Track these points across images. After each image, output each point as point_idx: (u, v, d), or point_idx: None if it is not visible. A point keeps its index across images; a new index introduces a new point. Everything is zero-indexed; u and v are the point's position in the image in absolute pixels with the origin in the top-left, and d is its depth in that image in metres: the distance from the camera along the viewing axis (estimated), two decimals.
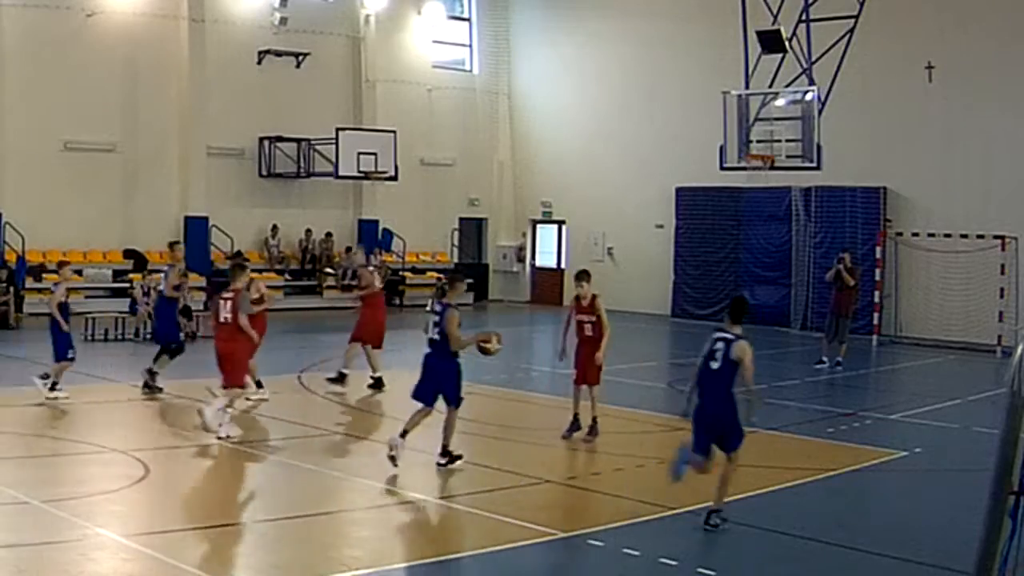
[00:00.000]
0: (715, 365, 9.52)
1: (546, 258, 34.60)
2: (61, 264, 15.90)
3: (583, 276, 13.12)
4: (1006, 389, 5.47)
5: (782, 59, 22.32)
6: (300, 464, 11.80)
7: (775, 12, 22.33)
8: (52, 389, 14.60)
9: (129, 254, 27.12)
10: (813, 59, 22.20)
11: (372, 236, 31.39)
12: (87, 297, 25.26)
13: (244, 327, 13.03)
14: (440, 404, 11.51)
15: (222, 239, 28.52)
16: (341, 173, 28.75)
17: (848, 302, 20.86)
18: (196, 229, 28.24)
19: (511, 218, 34.97)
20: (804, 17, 22.27)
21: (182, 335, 15.76)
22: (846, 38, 22.13)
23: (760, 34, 22.30)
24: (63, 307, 14.97)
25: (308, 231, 30.20)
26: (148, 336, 22.60)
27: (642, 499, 10.51)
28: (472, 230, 34.69)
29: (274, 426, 13.89)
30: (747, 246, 29.04)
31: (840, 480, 11.58)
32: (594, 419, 13.08)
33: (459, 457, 11.58)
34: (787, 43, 22.02)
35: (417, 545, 8.99)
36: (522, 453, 12.88)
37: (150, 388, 15.42)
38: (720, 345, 9.54)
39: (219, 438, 12.46)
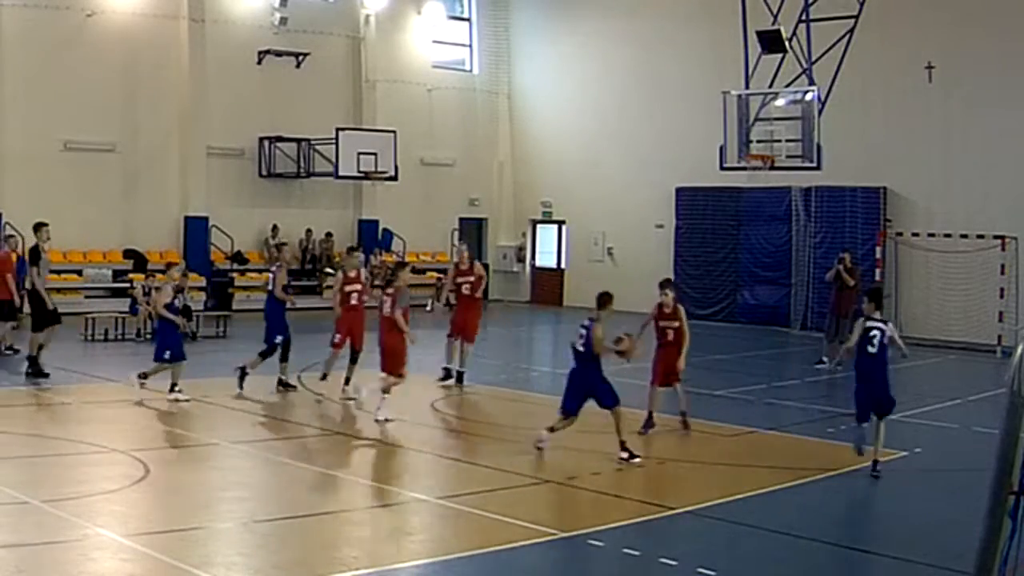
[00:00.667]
0: (873, 350, 11.74)
1: (546, 258, 34.59)
2: (169, 265, 15.85)
3: (667, 284, 13.99)
4: (1006, 389, 5.47)
5: (782, 59, 22.32)
6: (300, 464, 11.80)
7: (775, 12, 22.33)
8: (171, 390, 14.80)
9: (129, 254, 27.12)
10: (813, 59, 22.20)
11: (372, 236, 31.42)
12: (87, 297, 25.28)
13: (399, 322, 13.94)
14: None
15: (222, 239, 28.52)
16: (341, 173, 28.74)
17: (848, 302, 20.82)
18: (196, 229, 28.25)
19: (511, 218, 34.97)
20: (804, 17, 22.27)
21: (280, 338, 15.92)
22: (846, 38, 22.13)
23: (760, 34, 22.30)
24: (169, 307, 15.11)
25: (308, 231, 30.20)
26: (149, 336, 22.60)
27: (642, 499, 10.52)
28: (472, 230, 34.67)
29: (274, 426, 13.89)
30: (747, 246, 29.03)
31: (840, 480, 11.58)
32: (683, 413, 13.89)
33: (636, 456, 12.05)
34: (787, 43, 22.02)
35: (417, 545, 8.98)
36: (522, 453, 12.88)
37: (285, 386, 15.90)
38: (876, 332, 11.72)
39: (376, 420, 13.61)
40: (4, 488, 9.78)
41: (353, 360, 15.57)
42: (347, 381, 15.46)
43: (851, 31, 22.11)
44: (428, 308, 29.91)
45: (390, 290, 14.20)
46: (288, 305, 16.12)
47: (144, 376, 15.09)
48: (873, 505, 10.96)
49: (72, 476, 10.70)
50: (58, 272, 25.65)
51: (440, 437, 13.99)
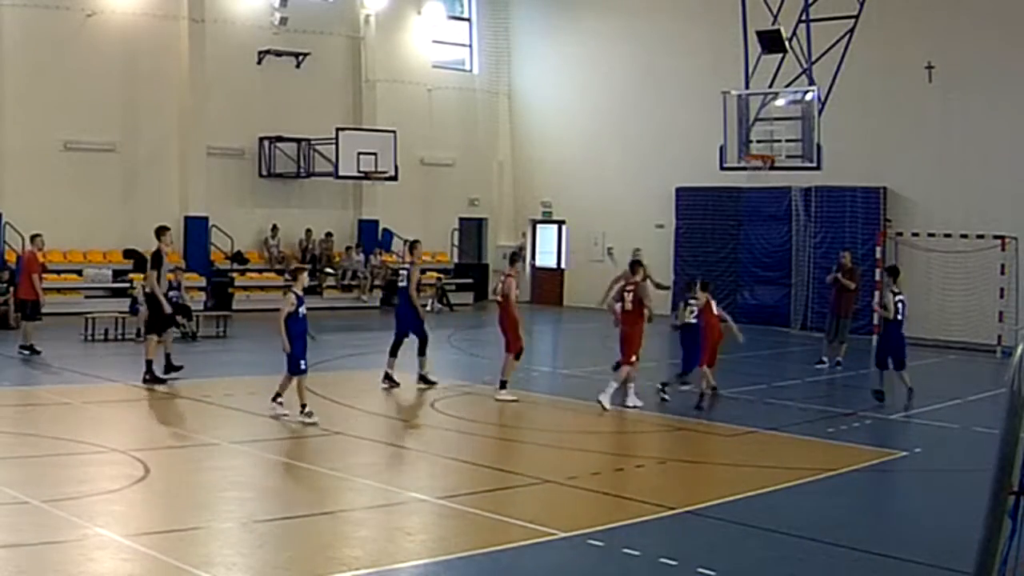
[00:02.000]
0: (900, 317, 16.00)
1: (546, 258, 34.61)
2: (296, 272, 14.12)
3: (698, 286, 16.12)
4: (1006, 389, 5.46)
5: (782, 59, 22.29)
6: (300, 464, 11.80)
7: (775, 12, 22.30)
8: (302, 412, 13.55)
9: (129, 254, 27.10)
10: (813, 59, 22.17)
11: (372, 236, 31.44)
12: (87, 297, 25.28)
13: (646, 315, 15.42)
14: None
15: (222, 239, 28.53)
16: (341, 173, 28.76)
17: (848, 302, 20.82)
18: (196, 229, 28.26)
19: (511, 218, 34.98)
20: (804, 17, 22.24)
21: (426, 328, 16.61)
22: (846, 38, 22.11)
23: (760, 34, 22.27)
24: (292, 316, 13.53)
25: (308, 231, 30.21)
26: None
27: (642, 499, 10.51)
28: (472, 230, 34.69)
29: (274, 426, 13.88)
30: (747, 246, 29.03)
31: (840, 480, 11.57)
32: (714, 388, 15.65)
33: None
34: (787, 43, 21.99)
35: (417, 545, 8.98)
36: (522, 453, 12.89)
37: (426, 381, 16.53)
38: (901, 305, 16.02)
39: (628, 407, 14.93)
40: (4, 488, 9.78)
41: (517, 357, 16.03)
42: (503, 385, 15.75)
43: (851, 31, 22.07)
44: (428, 308, 29.97)
45: (630, 286, 15.51)
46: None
47: (302, 408, 13.72)
48: (873, 505, 10.95)
49: (72, 476, 10.69)
50: (58, 272, 25.70)
51: (440, 437, 13.99)
